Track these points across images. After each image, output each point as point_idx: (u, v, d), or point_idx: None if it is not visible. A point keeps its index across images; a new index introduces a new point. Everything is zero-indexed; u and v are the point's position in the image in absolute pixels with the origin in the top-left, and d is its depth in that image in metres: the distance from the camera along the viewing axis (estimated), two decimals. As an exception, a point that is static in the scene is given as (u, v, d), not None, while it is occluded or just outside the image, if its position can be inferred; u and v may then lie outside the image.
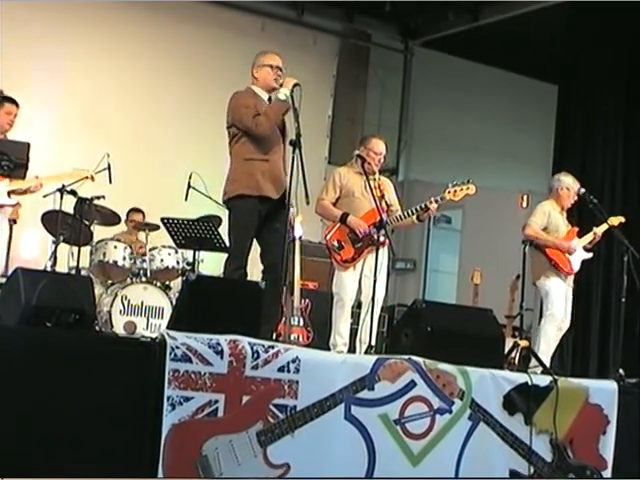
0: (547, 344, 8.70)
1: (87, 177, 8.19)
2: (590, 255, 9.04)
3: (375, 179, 7.84)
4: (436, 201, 7.72)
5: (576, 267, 8.89)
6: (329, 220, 7.99)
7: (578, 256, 8.89)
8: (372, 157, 7.89)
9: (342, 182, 7.89)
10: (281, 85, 6.93)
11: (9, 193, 7.73)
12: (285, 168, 6.93)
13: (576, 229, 9.02)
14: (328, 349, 7.59)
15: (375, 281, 7.26)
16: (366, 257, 7.75)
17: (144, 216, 10.29)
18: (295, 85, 6.87)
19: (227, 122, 7.05)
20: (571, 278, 8.93)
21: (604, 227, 8.90)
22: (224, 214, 7.14)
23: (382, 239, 7.56)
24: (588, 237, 8.95)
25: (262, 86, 7.08)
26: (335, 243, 7.78)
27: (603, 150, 11.75)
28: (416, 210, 7.80)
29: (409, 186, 14.27)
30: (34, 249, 10.26)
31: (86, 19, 11.68)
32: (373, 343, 7.36)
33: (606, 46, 11.50)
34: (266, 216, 6.95)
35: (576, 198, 9.03)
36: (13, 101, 7.92)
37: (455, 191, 7.79)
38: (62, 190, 8.31)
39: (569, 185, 8.96)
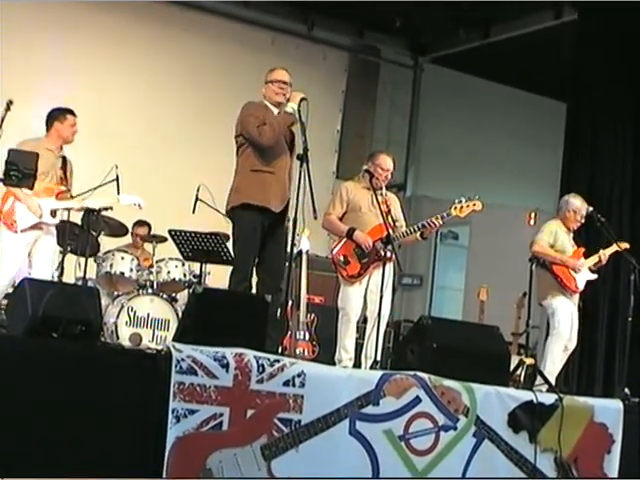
0: (553, 363, 8.70)
1: (135, 205, 8.17)
2: (595, 276, 9.03)
3: (382, 194, 7.86)
4: (442, 217, 7.75)
5: (581, 286, 8.89)
6: (335, 235, 7.99)
7: (583, 276, 8.89)
8: (380, 173, 7.92)
9: (349, 197, 7.90)
10: (288, 99, 6.96)
11: (53, 212, 7.80)
12: (291, 182, 6.96)
13: (582, 250, 9.02)
14: (334, 364, 7.58)
15: (381, 297, 7.26)
16: (372, 272, 7.75)
17: (150, 228, 10.30)
18: (302, 99, 6.90)
19: (235, 132, 7.08)
20: (576, 297, 8.92)
21: (611, 250, 8.90)
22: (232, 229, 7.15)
23: (388, 255, 7.59)
24: (594, 259, 8.95)
25: (269, 101, 7.13)
26: (341, 258, 7.78)
27: (611, 168, 11.73)
28: (420, 227, 7.82)
29: (417, 202, 14.29)
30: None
31: (94, 33, 11.76)
32: (378, 358, 7.35)
33: (615, 64, 11.50)
34: (268, 228, 6.96)
35: (583, 221, 9.02)
36: (72, 112, 8.01)
37: (461, 207, 7.80)
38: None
39: (577, 208, 8.95)
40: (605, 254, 8.93)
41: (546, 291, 8.79)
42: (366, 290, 7.76)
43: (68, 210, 8.02)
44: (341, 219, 7.92)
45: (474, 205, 7.80)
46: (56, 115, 7.95)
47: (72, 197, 8.01)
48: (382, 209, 7.60)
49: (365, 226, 7.78)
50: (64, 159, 8.03)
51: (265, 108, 7.07)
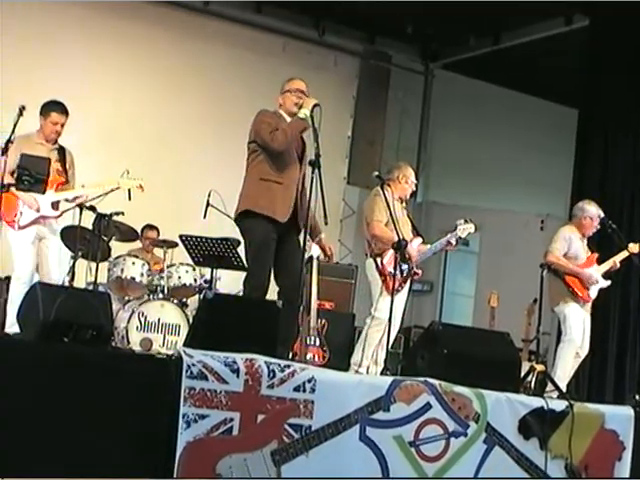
0: (564, 369, 8.68)
1: (137, 187, 8.09)
2: (608, 283, 9.01)
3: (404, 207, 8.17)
4: (456, 243, 8.15)
5: (593, 295, 8.88)
6: (386, 242, 7.97)
7: (596, 284, 8.88)
8: (409, 184, 8.34)
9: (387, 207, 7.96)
10: (301, 106, 6.96)
11: (54, 205, 7.78)
12: (302, 191, 6.97)
13: (596, 255, 9.01)
14: (343, 369, 7.58)
15: (392, 304, 7.30)
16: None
17: (158, 233, 10.32)
18: (315, 105, 6.90)
19: (249, 138, 7.09)
20: (589, 305, 8.91)
21: (623, 255, 8.89)
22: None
23: (419, 271, 8.08)
24: (607, 265, 8.94)
25: (285, 111, 7.10)
26: (392, 270, 7.79)
27: (623, 175, 11.71)
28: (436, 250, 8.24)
29: (427, 208, 14.30)
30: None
31: (106, 37, 11.78)
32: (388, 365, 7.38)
33: (626, 71, 11.49)
34: (278, 238, 6.95)
35: (599, 227, 9.02)
36: (61, 110, 7.86)
37: (463, 229, 8.11)
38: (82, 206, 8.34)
39: (592, 215, 8.96)
40: (618, 260, 8.92)
41: (558, 297, 8.78)
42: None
43: (69, 201, 7.94)
44: None
45: (470, 228, 8.14)
46: (43, 109, 7.85)
47: (82, 186, 7.97)
48: (413, 221, 8.05)
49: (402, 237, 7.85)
50: (62, 150, 7.97)
51: (279, 116, 7.06)
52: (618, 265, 8.97)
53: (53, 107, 7.85)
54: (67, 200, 7.92)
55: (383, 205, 7.92)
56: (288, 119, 7.06)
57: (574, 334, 8.73)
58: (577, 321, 8.75)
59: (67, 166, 7.98)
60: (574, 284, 8.76)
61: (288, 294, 6.75)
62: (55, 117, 7.82)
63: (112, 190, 8.07)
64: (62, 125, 7.88)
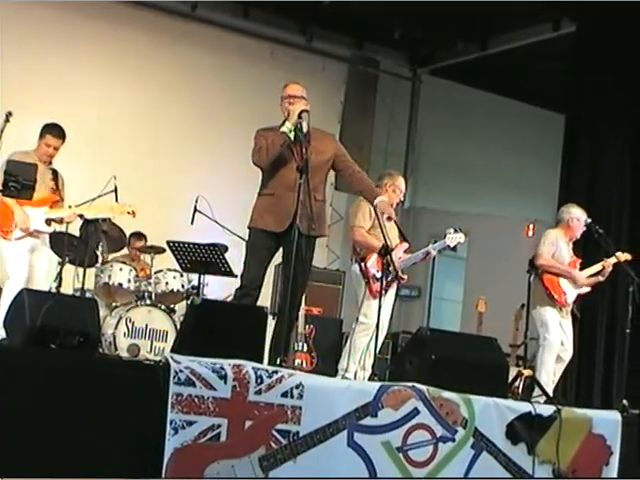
0: (547, 374, 8.67)
1: (129, 212, 8.20)
2: (587, 289, 9.01)
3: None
4: (441, 249, 8.18)
5: (570, 300, 8.86)
6: (366, 249, 8.05)
7: (574, 289, 8.88)
8: (397, 193, 8.30)
9: (373, 212, 7.96)
10: (288, 113, 6.91)
11: (47, 221, 7.83)
12: (307, 197, 6.91)
13: (579, 261, 9.02)
14: (331, 375, 7.59)
15: (380, 309, 7.30)
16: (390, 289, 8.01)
17: (146, 240, 10.28)
18: (302, 112, 6.84)
19: None
20: (567, 309, 8.89)
21: (612, 260, 8.89)
22: (231, 240, 7.15)
23: (405, 276, 7.95)
24: (596, 267, 8.94)
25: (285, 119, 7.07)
26: (375, 273, 7.82)
27: (610, 179, 11.72)
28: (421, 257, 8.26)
29: (415, 213, 14.31)
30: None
31: (93, 45, 11.77)
32: (375, 370, 7.38)
33: (614, 75, 11.52)
34: (282, 249, 6.91)
35: (585, 229, 9.04)
36: (56, 133, 7.97)
37: (453, 238, 8.12)
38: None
39: (579, 216, 8.97)
40: (609, 262, 8.91)
41: (536, 302, 8.77)
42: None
43: (63, 222, 8.04)
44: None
45: (460, 237, 8.15)
46: (41, 131, 8.01)
47: (69, 207, 8.03)
48: (401, 228, 7.98)
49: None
50: (54, 172, 8.10)
51: (272, 130, 7.01)
52: (609, 269, 8.94)
53: (49, 129, 7.99)
54: (59, 220, 8.01)
55: (367, 211, 7.96)
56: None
57: (552, 338, 8.71)
58: (554, 325, 8.74)
59: (59, 186, 8.11)
60: (552, 287, 8.75)
61: (286, 303, 6.75)
62: (49, 139, 7.96)
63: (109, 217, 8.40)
64: (55, 148, 8.01)
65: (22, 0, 11.03)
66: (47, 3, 11.39)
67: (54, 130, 7.98)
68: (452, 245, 8.11)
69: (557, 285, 8.79)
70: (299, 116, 6.81)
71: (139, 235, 10.31)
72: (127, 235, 9.79)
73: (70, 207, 8.01)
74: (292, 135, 6.79)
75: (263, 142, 6.90)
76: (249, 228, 6.98)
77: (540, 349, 8.82)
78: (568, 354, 8.89)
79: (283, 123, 6.93)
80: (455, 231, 8.12)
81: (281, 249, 6.91)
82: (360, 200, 8.16)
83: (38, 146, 7.99)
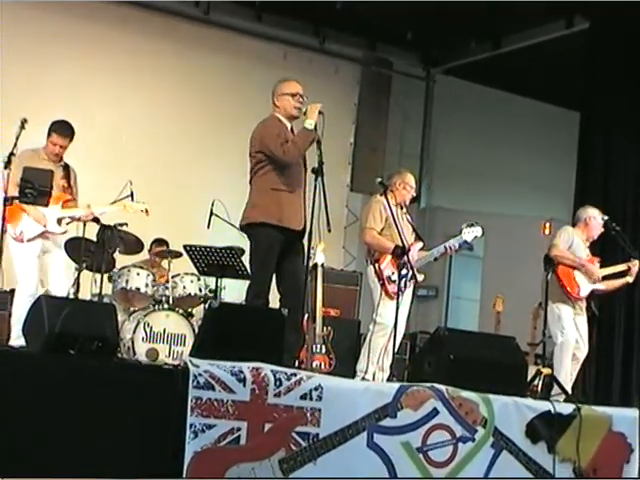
0: (564, 372, 8.64)
1: (142, 211, 8.19)
2: (602, 287, 8.96)
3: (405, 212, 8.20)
4: (459, 247, 8.13)
5: (584, 293, 8.81)
6: (379, 250, 8.05)
7: (588, 284, 8.84)
8: (408, 190, 8.29)
9: (386, 213, 7.95)
10: (305, 113, 6.91)
11: (59, 220, 7.80)
12: (306, 199, 6.95)
13: (597, 259, 8.98)
14: (350, 376, 7.58)
15: (398, 310, 7.31)
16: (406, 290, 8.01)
17: (168, 247, 10.27)
18: (319, 113, 6.86)
19: (252, 149, 7.02)
20: (581, 305, 8.85)
21: (637, 262, 8.87)
22: (247, 243, 7.14)
23: (420, 277, 7.97)
24: (620, 267, 8.91)
25: (284, 114, 7.06)
26: (390, 274, 7.83)
27: (625, 177, 11.70)
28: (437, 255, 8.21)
29: (431, 213, 14.30)
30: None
31: (109, 49, 11.79)
32: (393, 371, 7.38)
33: (627, 73, 11.49)
34: (286, 246, 6.93)
35: (603, 229, 9.01)
36: (62, 131, 7.84)
37: (469, 232, 8.09)
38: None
39: (596, 215, 8.96)
40: (635, 262, 8.88)
41: (552, 297, 8.73)
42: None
43: (75, 220, 8.00)
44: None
45: (477, 231, 8.13)
46: (48, 129, 7.86)
47: (88, 206, 8.00)
48: (414, 226, 8.03)
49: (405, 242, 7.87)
50: (66, 167, 7.99)
51: (280, 123, 7.03)
52: (633, 276, 8.91)
53: (55, 127, 7.85)
54: (72, 218, 7.95)
55: (379, 212, 7.98)
56: (288, 124, 7.05)
57: (568, 335, 8.68)
58: (569, 322, 8.70)
59: (71, 182, 8.00)
60: (567, 279, 8.71)
61: (290, 301, 6.75)
62: (55, 138, 7.82)
63: (126, 223, 8.43)
64: (62, 147, 7.86)
65: (35, 4, 11.07)
66: (61, 8, 11.41)
67: (60, 128, 7.82)
68: (469, 239, 8.07)
69: (572, 278, 8.76)
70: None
71: (160, 241, 10.29)
72: (145, 242, 9.80)
73: (89, 206, 7.94)
74: None
75: (282, 134, 6.90)
76: (262, 223, 6.88)
77: (556, 348, 8.79)
78: (583, 353, 8.85)
79: (287, 119, 6.99)
80: (471, 225, 8.09)
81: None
82: (371, 202, 8.18)
83: (46, 144, 7.86)
